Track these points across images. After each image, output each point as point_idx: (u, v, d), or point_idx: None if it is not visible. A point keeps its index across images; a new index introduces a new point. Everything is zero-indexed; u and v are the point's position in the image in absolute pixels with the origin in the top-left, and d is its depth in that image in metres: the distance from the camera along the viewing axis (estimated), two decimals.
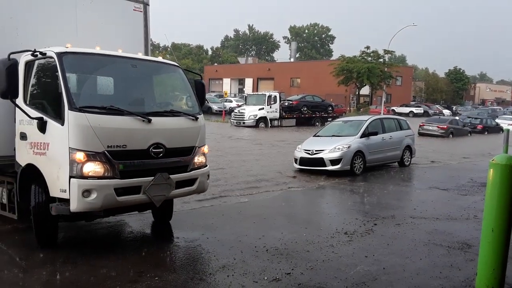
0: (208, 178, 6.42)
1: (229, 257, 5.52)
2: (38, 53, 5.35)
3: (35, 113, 5.39)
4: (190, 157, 5.98)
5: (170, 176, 5.66)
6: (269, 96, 31.17)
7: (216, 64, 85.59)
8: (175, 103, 6.57)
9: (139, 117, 5.42)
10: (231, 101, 43.36)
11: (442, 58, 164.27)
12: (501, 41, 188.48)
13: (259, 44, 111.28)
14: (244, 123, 30.17)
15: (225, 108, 38.08)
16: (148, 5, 7.57)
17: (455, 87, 78.80)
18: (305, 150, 12.90)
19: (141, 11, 7.43)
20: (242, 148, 18.49)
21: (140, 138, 5.43)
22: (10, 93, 5.27)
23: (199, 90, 6.52)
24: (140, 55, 6.59)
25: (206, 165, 6.36)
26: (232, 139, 22.32)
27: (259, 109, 30.62)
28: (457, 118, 35.66)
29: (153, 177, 5.47)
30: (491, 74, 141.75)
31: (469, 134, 31.49)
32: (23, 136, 5.67)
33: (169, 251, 6.01)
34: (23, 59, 5.62)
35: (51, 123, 5.27)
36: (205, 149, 6.32)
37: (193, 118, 6.10)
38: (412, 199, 10.04)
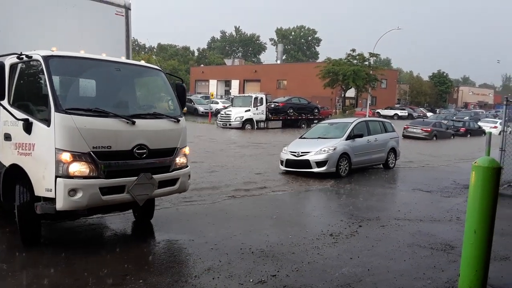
0: (189, 178, 6.63)
1: (215, 259, 5.50)
2: (24, 56, 5.52)
3: (20, 115, 5.51)
4: (172, 158, 6.20)
5: (153, 176, 5.86)
6: (256, 98, 31.21)
7: (202, 65, 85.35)
8: (158, 105, 6.76)
9: (123, 119, 5.62)
10: (217, 103, 43.26)
11: (426, 62, 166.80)
12: (484, 46, 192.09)
13: (245, 45, 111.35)
14: (230, 124, 30.15)
15: (211, 109, 37.99)
16: (130, 9, 7.76)
17: (439, 90, 79.92)
18: (291, 152, 12.94)
19: (123, 15, 7.63)
20: (228, 150, 18.46)
21: (124, 140, 5.61)
22: None
23: (180, 93, 6.70)
24: (124, 59, 6.76)
25: (187, 166, 6.59)
26: (218, 140, 22.26)
27: (246, 111, 30.62)
28: (441, 121, 36.11)
29: (136, 177, 5.67)
30: (473, 78, 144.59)
31: (452, 137, 31.97)
32: (7, 137, 5.78)
33: (154, 253, 5.95)
34: (8, 62, 5.70)
35: (37, 125, 5.40)
36: (187, 150, 6.55)
37: (175, 120, 6.34)
38: (396, 201, 10.15)
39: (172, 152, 6.20)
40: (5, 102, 5.63)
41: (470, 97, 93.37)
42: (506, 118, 11.07)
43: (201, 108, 40.70)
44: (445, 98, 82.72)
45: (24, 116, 5.47)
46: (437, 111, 63.09)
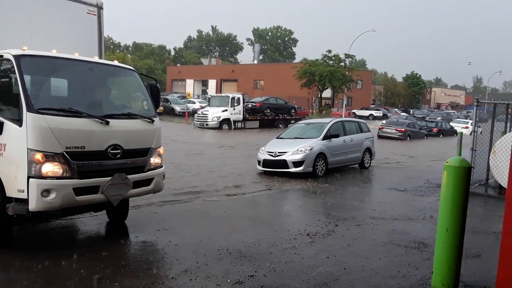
0: (164, 178, 6.63)
1: (192, 261, 5.46)
2: None
3: None
4: (147, 158, 6.22)
5: (128, 176, 5.85)
6: (233, 98, 31.15)
7: (179, 64, 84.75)
8: (132, 105, 6.74)
9: (97, 119, 5.58)
10: (194, 103, 43.00)
11: (400, 63, 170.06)
12: (455, 48, 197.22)
13: (222, 45, 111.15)
14: (207, 124, 30.01)
15: (188, 109, 37.73)
16: (102, 8, 7.71)
17: (412, 91, 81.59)
18: (268, 152, 12.98)
19: (95, 14, 7.56)
20: (204, 150, 18.38)
21: (98, 140, 5.58)
22: None
23: (154, 94, 6.68)
24: (97, 59, 6.70)
25: (162, 166, 6.59)
26: (195, 140, 22.13)
27: (223, 111, 30.53)
28: (414, 121, 36.83)
29: (111, 177, 5.65)
30: (446, 79, 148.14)
31: (425, 137, 32.70)
32: None
33: (129, 255, 5.88)
34: None
35: (8, 124, 5.30)
36: (161, 150, 6.55)
37: (149, 120, 6.35)
38: (372, 200, 10.31)
39: (146, 152, 6.19)
40: None
41: (442, 98, 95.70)
42: (477, 119, 11.38)
43: (178, 108, 40.34)
44: (418, 99, 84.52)
45: None
46: (411, 112, 64.49)
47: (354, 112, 52.62)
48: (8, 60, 5.35)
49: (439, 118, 46.56)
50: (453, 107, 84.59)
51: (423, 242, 6.54)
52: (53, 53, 5.82)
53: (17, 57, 5.29)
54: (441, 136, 35.33)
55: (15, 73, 5.23)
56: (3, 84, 5.56)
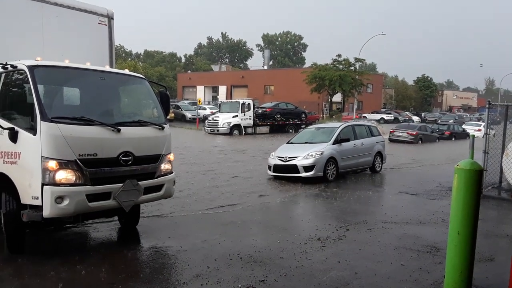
0: (174, 184, 6.71)
1: (203, 266, 5.49)
2: (9, 66, 5.58)
3: (6, 124, 5.53)
4: (157, 164, 6.29)
5: (139, 182, 5.93)
6: (243, 104, 31.25)
7: (189, 71, 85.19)
8: (142, 113, 6.87)
9: (109, 127, 5.68)
10: (205, 109, 43.20)
11: (410, 66, 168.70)
12: (467, 50, 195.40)
13: (232, 51, 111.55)
14: (218, 130, 30.12)
15: (199, 115, 37.93)
16: (113, 18, 7.88)
17: (424, 94, 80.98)
18: (278, 157, 12.98)
19: (106, 25, 7.74)
20: (215, 156, 18.44)
21: (110, 147, 5.68)
22: None
23: (164, 101, 6.79)
24: (108, 68, 6.86)
25: (172, 172, 6.67)
26: (206, 146, 22.22)
27: (233, 117, 30.63)
28: (426, 124, 36.52)
29: (122, 184, 5.74)
30: (457, 82, 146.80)
31: (437, 140, 32.39)
32: None
33: (141, 260, 5.93)
34: None
35: (23, 133, 5.42)
36: (171, 156, 6.63)
37: (160, 127, 6.43)
38: (383, 204, 10.25)
39: (157, 158, 6.27)
40: None
41: (454, 100, 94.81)
42: (489, 121, 11.25)
43: (188, 114, 40.58)
44: (430, 102, 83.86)
45: (10, 125, 5.48)
46: (422, 115, 63.97)
47: (364, 116, 52.36)
48: (22, 70, 5.50)
49: (451, 121, 46.16)
50: (465, 110, 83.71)
51: (435, 246, 6.48)
52: (66, 63, 5.96)
53: (31, 68, 5.43)
54: (454, 139, 34.97)
55: (29, 83, 5.37)
56: (18, 94, 5.75)
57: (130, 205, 5.89)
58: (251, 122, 31.56)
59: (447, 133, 35.38)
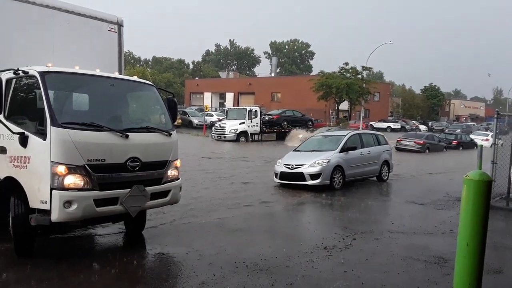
0: (180, 190, 6.73)
1: (209, 273, 5.48)
2: (20, 72, 5.64)
3: (16, 128, 5.60)
4: (164, 170, 6.32)
5: (145, 188, 5.96)
6: (250, 111, 31.32)
7: (197, 78, 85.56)
8: (150, 119, 6.92)
9: (117, 133, 5.73)
10: (212, 115, 43.33)
11: (418, 75, 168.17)
12: (475, 59, 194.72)
13: (240, 59, 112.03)
14: (225, 137, 30.17)
15: (206, 122, 38.05)
16: (122, 26, 7.99)
17: (431, 103, 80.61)
18: (285, 164, 12.96)
19: (116, 32, 7.85)
20: (222, 163, 18.46)
21: (118, 153, 5.72)
22: None
23: (172, 108, 6.84)
24: (117, 74, 6.92)
25: (179, 178, 6.69)
26: (212, 153, 22.25)
27: (240, 124, 30.70)
28: (433, 133, 36.32)
29: (129, 189, 5.77)
30: (465, 91, 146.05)
31: (445, 150, 32.19)
32: (3, 150, 5.85)
33: (147, 266, 5.93)
34: (4, 77, 5.77)
35: (33, 138, 5.48)
36: (178, 163, 6.65)
37: (167, 134, 6.47)
38: (390, 213, 10.18)
39: (164, 164, 6.30)
40: (1, 116, 5.70)
41: (461, 110, 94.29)
42: (497, 131, 11.18)
43: (195, 121, 40.72)
44: (437, 111, 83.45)
45: (20, 130, 5.54)
46: (430, 124, 63.66)
47: (371, 125, 52.23)
48: (34, 76, 5.57)
49: (459, 130, 45.84)
50: (472, 119, 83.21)
51: (443, 257, 6.42)
52: (76, 69, 6.03)
53: (42, 74, 5.50)
54: (461, 148, 34.74)
55: (40, 89, 5.44)
56: (29, 99, 5.83)
57: (136, 210, 5.92)
58: (258, 129, 31.61)
59: (454, 142, 35.15)
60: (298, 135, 29.17)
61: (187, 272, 5.60)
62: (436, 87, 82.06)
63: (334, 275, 5.59)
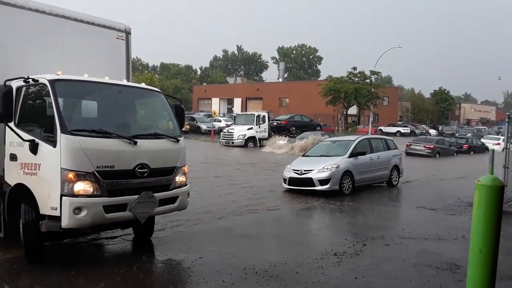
0: (188, 196, 6.76)
1: (218, 280, 5.45)
2: (30, 80, 5.69)
3: (27, 136, 5.66)
4: (172, 176, 6.35)
5: (154, 194, 5.99)
6: (258, 116, 31.32)
7: (205, 84, 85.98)
8: (158, 126, 6.97)
9: (126, 139, 5.78)
10: (220, 121, 43.38)
11: (427, 79, 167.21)
12: (485, 63, 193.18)
13: (247, 64, 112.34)
14: (233, 142, 30.18)
15: (214, 127, 38.15)
16: (130, 33, 8.08)
17: (441, 107, 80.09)
18: (294, 170, 12.91)
19: (123, 39, 7.93)
20: (230, 168, 18.45)
21: (127, 159, 5.77)
22: (6, 118, 5.61)
23: (179, 114, 6.89)
24: (126, 82, 7.01)
25: (187, 184, 6.73)
26: (220, 158, 22.27)
27: (248, 129, 30.69)
28: (443, 138, 36.06)
29: (138, 195, 5.80)
30: (475, 95, 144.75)
31: (455, 154, 31.89)
32: (13, 157, 5.91)
33: (156, 272, 5.93)
34: (14, 85, 5.84)
35: (43, 145, 5.55)
36: (186, 168, 6.69)
37: (175, 140, 6.51)
38: (401, 219, 10.08)
39: (172, 171, 6.34)
40: (11, 124, 5.77)
41: (472, 113, 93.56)
42: (509, 135, 11.04)
43: (203, 126, 40.80)
44: (447, 115, 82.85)
45: (30, 137, 5.60)
46: (440, 128, 63.18)
47: (380, 129, 51.97)
48: (44, 84, 5.64)
49: (469, 134, 45.46)
50: (483, 123, 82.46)
51: (455, 263, 6.33)
52: (85, 77, 6.09)
53: (52, 82, 5.57)
54: (472, 153, 34.40)
55: (49, 97, 5.50)
56: (39, 107, 5.91)
57: (145, 216, 5.95)
58: (266, 135, 31.57)
59: (465, 146, 34.84)
60: (278, 141, 29.06)
61: (196, 279, 5.58)
62: (446, 91, 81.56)
63: (344, 281, 5.53)
